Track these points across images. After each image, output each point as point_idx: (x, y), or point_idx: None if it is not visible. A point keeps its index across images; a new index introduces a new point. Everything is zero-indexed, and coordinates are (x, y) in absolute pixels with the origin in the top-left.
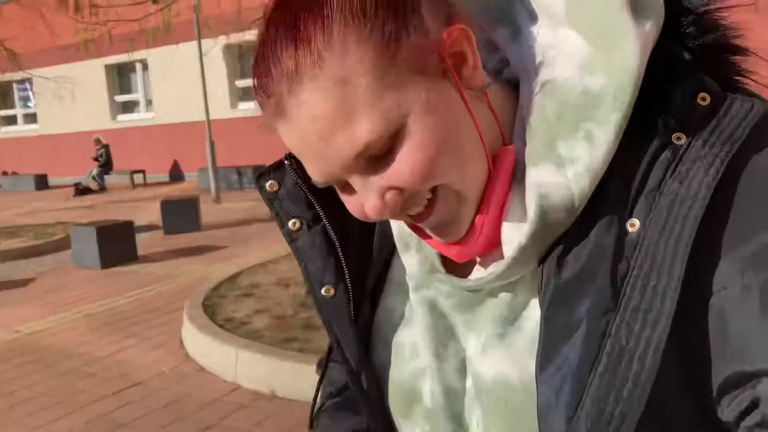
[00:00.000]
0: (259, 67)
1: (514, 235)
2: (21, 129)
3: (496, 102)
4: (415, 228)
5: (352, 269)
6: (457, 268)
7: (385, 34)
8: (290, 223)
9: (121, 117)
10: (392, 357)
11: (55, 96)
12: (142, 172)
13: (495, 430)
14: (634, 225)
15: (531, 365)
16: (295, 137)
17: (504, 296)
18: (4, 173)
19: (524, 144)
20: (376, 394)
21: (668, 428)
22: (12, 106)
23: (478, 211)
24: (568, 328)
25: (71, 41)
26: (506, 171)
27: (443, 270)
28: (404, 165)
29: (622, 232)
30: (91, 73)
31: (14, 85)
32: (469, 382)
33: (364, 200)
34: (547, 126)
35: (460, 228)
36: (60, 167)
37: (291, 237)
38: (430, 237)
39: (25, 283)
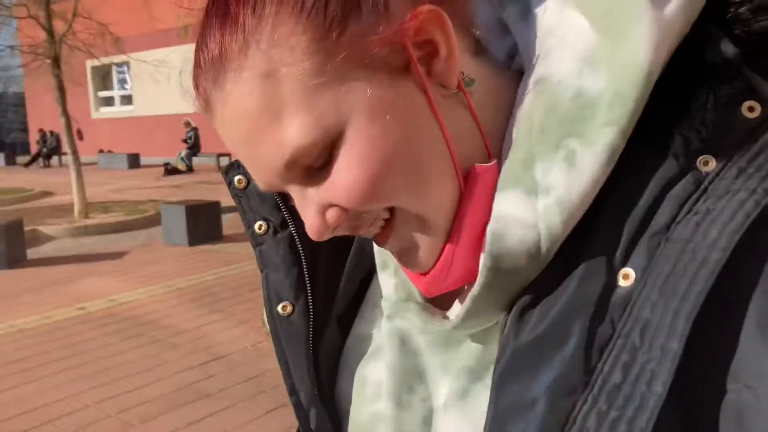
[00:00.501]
0: (194, 55)
1: None
2: (117, 110)
3: (490, 102)
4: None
5: (318, 286)
6: (437, 298)
7: (328, 16)
8: (256, 225)
9: None
10: (354, 394)
11: (151, 79)
12: (228, 155)
13: None
14: (627, 277)
15: None
16: (224, 137)
17: (474, 344)
18: (101, 151)
19: None
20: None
21: None
22: (110, 88)
23: (448, 238)
24: (522, 405)
25: (171, 26)
26: (483, 192)
27: (420, 299)
28: (340, 181)
29: (610, 285)
30: (185, 57)
31: (113, 68)
32: None
33: (304, 217)
34: (529, 139)
35: (425, 258)
36: (152, 147)
37: (256, 240)
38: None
39: (119, 255)
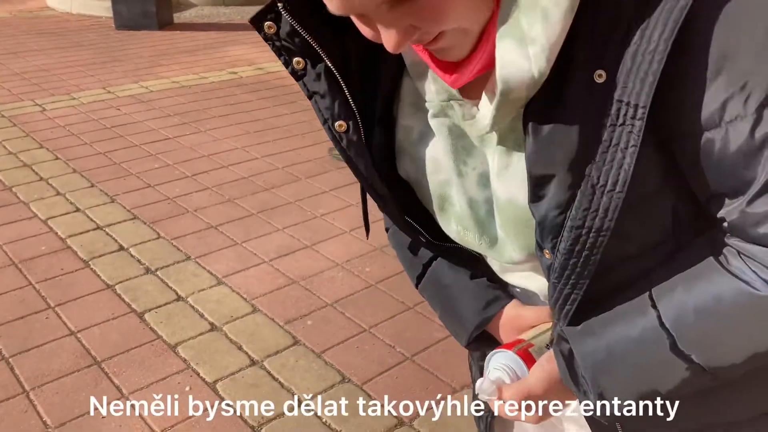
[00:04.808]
0: None
1: (508, 68)
2: None
3: None
4: (422, 50)
5: (360, 102)
6: (469, 93)
7: None
8: (294, 62)
9: None
10: (418, 170)
11: None
12: None
13: (512, 234)
14: (601, 76)
15: None
16: None
17: (506, 131)
18: None
19: None
20: (394, 205)
21: (648, 218)
22: None
23: (478, 40)
24: (548, 172)
25: None
26: None
27: (460, 97)
28: (426, 11)
29: (590, 84)
30: None
31: None
32: (490, 194)
33: (383, 36)
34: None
35: (460, 53)
36: None
37: (297, 75)
38: (434, 59)
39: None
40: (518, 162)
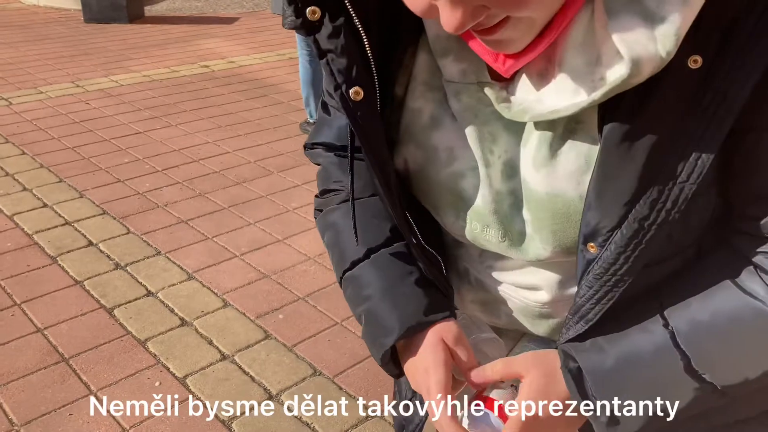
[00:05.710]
0: None
1: (574, 58)
2: None
3: None
4: (466, 35)
5: (379, 68)
6: (495, 73)
7: None
8: (308, 12)
9: None
10: (427, 159)
11: None
12: None
13: (545, 230)
14: (696, 61)
15: (586, 180)
16: None
17: (559, 117)
18: None
19: None
20: (398, 193)
21: (693, 216)
22: None
23: (542, 33)
24: (625, 160)
25: None
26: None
27: (490, 80)
28: None
29: (683, 68)
30: None
31: None
32: (515, 185)
33: (444, 13)
34: None
35: (520, 45)
36: None
37: (309, 29)
38: (479, 44)
39: (231, 21)
40: (570, 150)
